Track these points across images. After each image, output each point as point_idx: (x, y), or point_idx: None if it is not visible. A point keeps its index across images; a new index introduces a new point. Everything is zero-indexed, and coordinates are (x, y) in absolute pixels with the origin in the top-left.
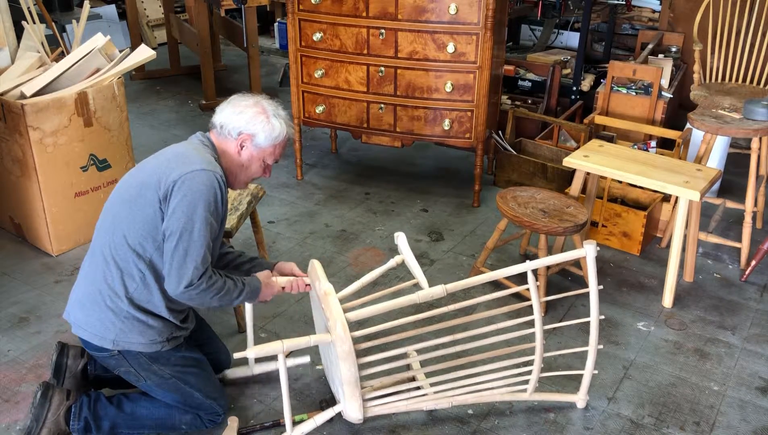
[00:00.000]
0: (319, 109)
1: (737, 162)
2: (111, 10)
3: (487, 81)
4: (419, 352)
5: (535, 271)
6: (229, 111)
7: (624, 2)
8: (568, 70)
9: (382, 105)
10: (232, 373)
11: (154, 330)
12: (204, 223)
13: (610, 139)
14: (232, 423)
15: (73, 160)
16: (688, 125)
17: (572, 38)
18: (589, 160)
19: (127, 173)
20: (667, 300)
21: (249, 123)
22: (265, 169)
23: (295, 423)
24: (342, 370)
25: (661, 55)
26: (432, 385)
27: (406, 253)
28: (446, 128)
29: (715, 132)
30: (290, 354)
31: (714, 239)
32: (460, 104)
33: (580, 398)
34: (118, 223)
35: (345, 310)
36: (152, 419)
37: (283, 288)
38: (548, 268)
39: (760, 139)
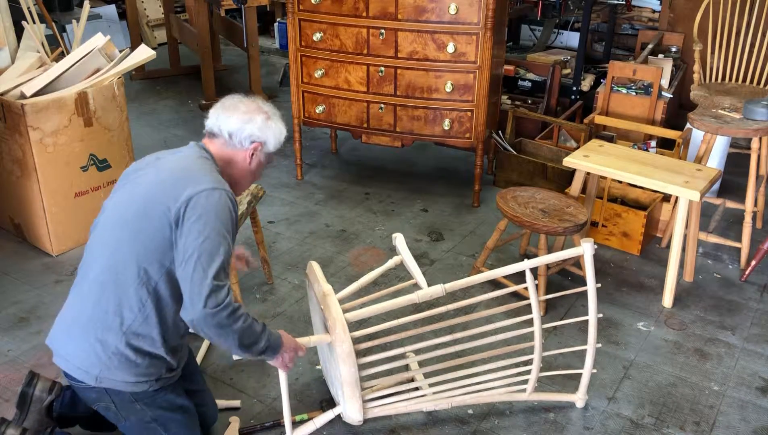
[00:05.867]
0: (319, 109)
1: (737, 162)
2: (111, 10)
3: (487, 81)
4: (419, 352)
5: (534, 270)
6: (236, 118)
7: (624, 2)
8: (568, 70)
9: (382, 105)
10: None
11: (142, 369)
12: (222, 240)
13: (610, 139)
14: (233, 423)
15: (73, 160)
16: (688, 125)
17: (572, 38)
18: (589, 160)
19: (120, 189)
20: (667, 300)
21: (261, 130)
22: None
23: (295, 423)
24: (342, 371)
25: (661, 55)
26: (431, 385)
27: (404, 254)
28: (446, 128)
29: (715, 132)
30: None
31: (714, 239)
32: (460, 104)
33: (579, 398)
34: (119, 247)
35: (344, 311)
36: None
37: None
38: (548, 267)
39: (760, 139)
